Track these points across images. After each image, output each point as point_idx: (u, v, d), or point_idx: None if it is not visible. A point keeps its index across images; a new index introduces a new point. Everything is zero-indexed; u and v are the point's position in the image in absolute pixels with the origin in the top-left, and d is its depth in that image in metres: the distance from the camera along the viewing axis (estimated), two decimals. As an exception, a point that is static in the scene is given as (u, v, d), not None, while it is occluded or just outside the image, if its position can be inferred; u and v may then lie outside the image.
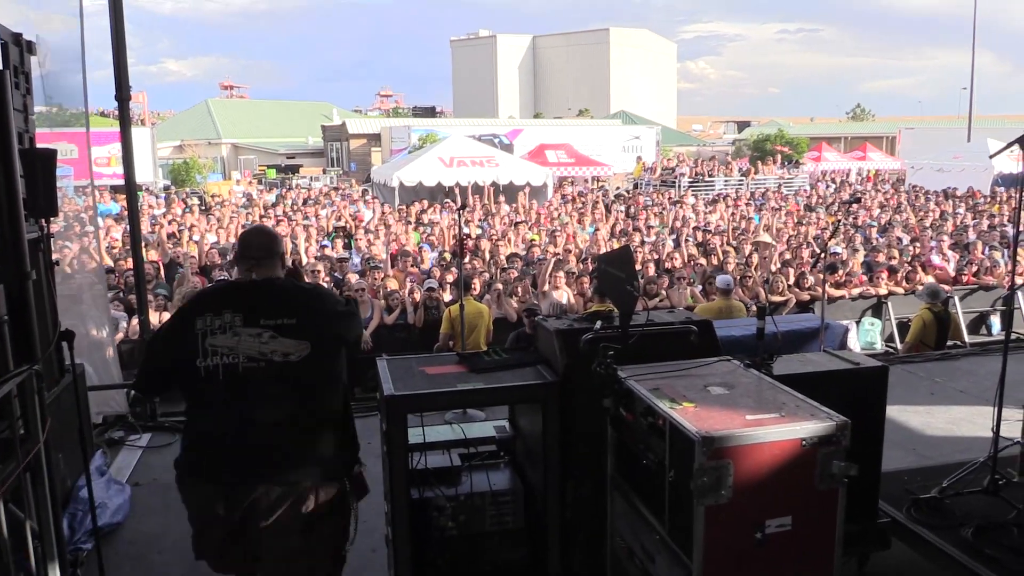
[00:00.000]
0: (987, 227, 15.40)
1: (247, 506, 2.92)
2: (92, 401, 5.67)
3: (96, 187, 6.86)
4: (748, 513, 2.66)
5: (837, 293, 10.44)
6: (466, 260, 10.24)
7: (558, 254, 11.44)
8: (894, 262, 11.59)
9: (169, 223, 15.24)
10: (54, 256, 4.61)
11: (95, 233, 6.74)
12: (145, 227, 13.93)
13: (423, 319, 9.07)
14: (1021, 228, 4.05)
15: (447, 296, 9.46)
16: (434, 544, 3.61)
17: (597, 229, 14.69)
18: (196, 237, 13.25)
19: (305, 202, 21.14)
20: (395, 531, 3.49)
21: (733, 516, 2.64)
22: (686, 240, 13.12)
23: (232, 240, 13.52)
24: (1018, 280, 8.37)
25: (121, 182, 6.75)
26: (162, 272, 10.57)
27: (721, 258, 11.61)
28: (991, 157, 6.09)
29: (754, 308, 8.72)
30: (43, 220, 4.16)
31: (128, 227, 7.62)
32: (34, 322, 3.65)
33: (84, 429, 4.84)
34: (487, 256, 11.84)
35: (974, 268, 11.50)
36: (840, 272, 10.75)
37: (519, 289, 9.56)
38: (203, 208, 19.39)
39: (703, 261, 11.67)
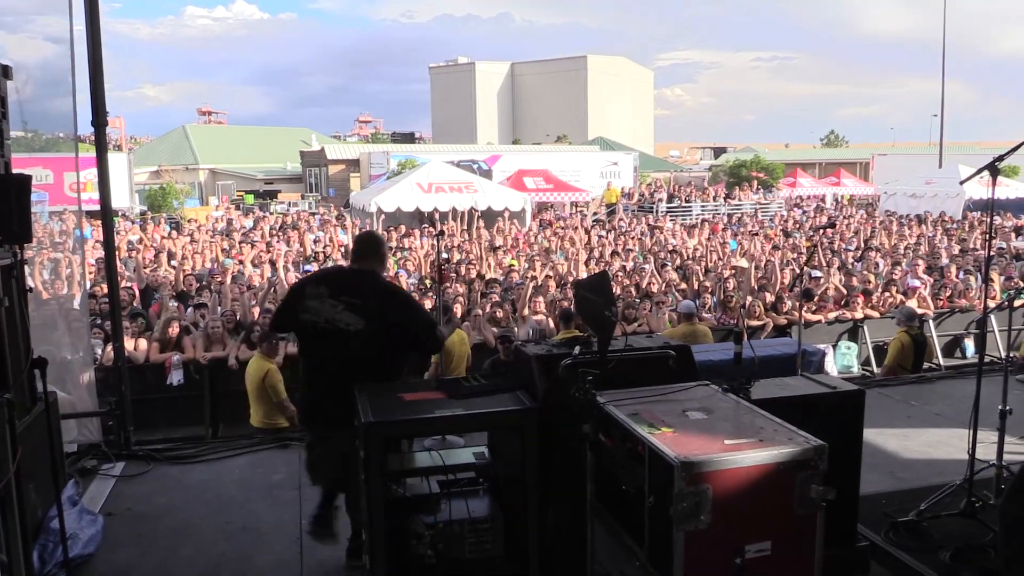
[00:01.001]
0: (959, 251, 15.62)
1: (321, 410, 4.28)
2: (65, 429, 5.58)
3: (78, 212, 6.77)
4: (727, 538, 2.65)
5: (814, 318, 10.52)
6: (446, 285, 10.23)
7: (536, 279, 11.45)
8: (870, 286, 11.71)
9: (144, 247, 15.14)
10: (27, 283, 4.56)
11: (74, 259, 6.67)
12: (122, 251, 13.85)
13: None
14: (992, 252, 4.12)
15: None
16: (413, 572, 3.57)
17: (577, 255, 14.74)
18: (174, 262, 13.18)
19: (282, 227, 21.13)
20: (373, 559, 3.45)
21: (712, 541, 2.63)
22: (663, 265, 13.20)
23: (207, 265, 13.48)
24: (991, 303, 8.48)
25: (97, 207, 6.68)
26: (137, 298, 10.47)
27: (700, 282, 11.68)
28: (962, 183, 6.17)
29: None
30: (17, 246, 4.12)
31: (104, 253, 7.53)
32: (6, 349, 3.60)
33: (56, 458, 4.76)
34: (466, 281, 11.83)
35: (948, 292, 11.64)
36: (816, 297, 10.85)
37: (498, 314, 9.55)
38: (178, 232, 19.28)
39: (684, 286, 11.73)
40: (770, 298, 10.58)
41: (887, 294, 11.22)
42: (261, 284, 11.60)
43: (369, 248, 4.46)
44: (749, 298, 10.59)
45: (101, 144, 6.39)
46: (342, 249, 15.65)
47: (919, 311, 10.20)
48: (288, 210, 31.46)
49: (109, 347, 7.78)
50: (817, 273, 12.01)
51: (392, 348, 4.17)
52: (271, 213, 28.78)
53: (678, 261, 14.02)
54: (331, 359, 4.16)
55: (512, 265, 13.64)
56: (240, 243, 16.67)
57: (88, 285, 10.37)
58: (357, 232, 18.63)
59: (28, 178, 4.01)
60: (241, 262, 13.63)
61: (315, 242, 17.01)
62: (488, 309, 9.69)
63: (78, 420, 6.11)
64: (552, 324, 9.60)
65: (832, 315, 10.73)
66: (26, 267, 4.65)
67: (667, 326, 9.64)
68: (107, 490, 5.60)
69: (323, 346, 4.19)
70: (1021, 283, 12.11)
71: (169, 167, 43.09)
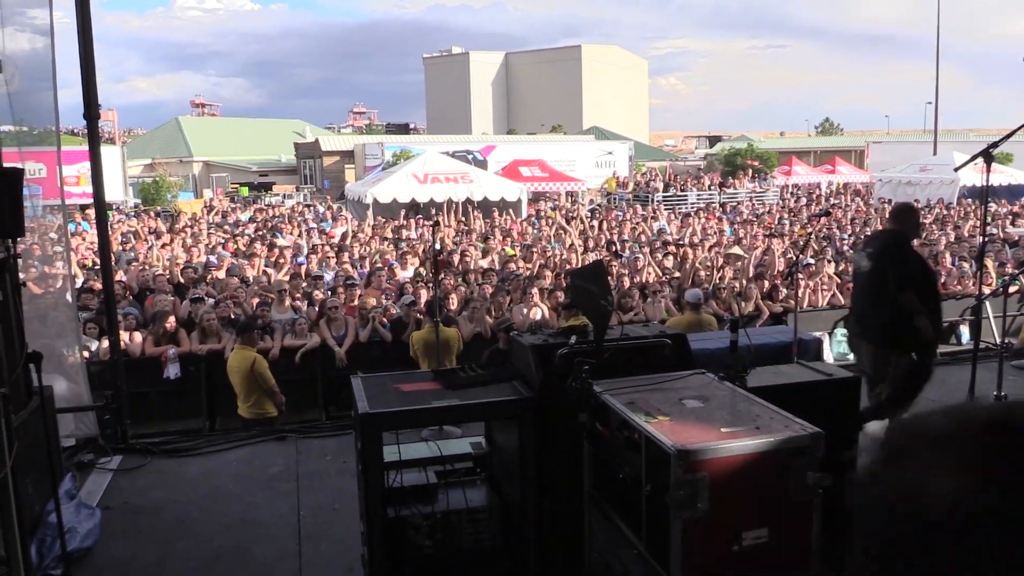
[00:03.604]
0: (955, 238, 15.64)
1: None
2: (61, 423, 5.58)
3: (62, 205, 6.72)
4: (725, 525, 2.66)
5: (811, 297, 10.55)
6: (442, 277, 10.21)
7: (532, 269, 11.43)
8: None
9: (139, 241, 15.09)
10: (20, 277, 4.54)
11: (65, 253, 6.64)
12: (116, 245, 13.78)
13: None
14: (987, 239, 4.12)
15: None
16: (411, 563, 3.58)
17: (573, 244, 14.73)
18: (169, 256, 13.13)
19: (275, 219, 21.07)
20: (371, 550, 3.45)
21: (710, 529, 2.64)
22: (665, 254, 13.18)
23: (203, 259, 13.38)
24: (985, 290, 8.49)
25: (90, 201, 6.65)
26: (132, 292, 10.43)
27: (692, 270, 11.66)
28: (956, 170, 6.19)
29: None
30: (9, 240, 4.10)
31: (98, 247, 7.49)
32: (1, 344, 3.59)
33: (53, 453, 4.75)
34: (456, 273, 11.79)
35: (943, 279, 11.65)
36: (811, 271, 10.91)
37: (495, 305, 9.54)
38: (171, 227, 19.18)
39: (678, 274, 11.72)
40: (767, 286, 10.58)
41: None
42: (257, 276, 11.56)
43: (893, 214, 6.38)
44: (744, 281, 10.60)
45: (94, 137, 6.36)
46: (335, 241, 15.62)
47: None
48: (283, 202, 31.39)
49: (104, 341, 7.76)
50: (810, 260, 12.02)
51: (883, 284, 5.58)
52: (267, 205, 28.68)
53: (674, 249, 14.01)
54: (860, 293, 6.16)
55: (511, 255, 13.62)
56: (235, 236, 16.62)
57: (81, 280, 10.37)
58: (350, 223, 18.66)
59: (20, 172, 4.00)
60: (235, 254, 13.59)
61: (309, 234, 16.99)
62: (486, 298, 9.69)
63: (74, 414, 6.10)
64: (547, 314, 9.59)
65: (827, 301, 10.75)
66: (19, 261, 4.63)
67: (663, 315, 9.63)
68: (104, 484, 5.61)
69: (855, 282, 6.48)
70: (1016, 269, 12.13)
71: (163, 160, 42.86)
